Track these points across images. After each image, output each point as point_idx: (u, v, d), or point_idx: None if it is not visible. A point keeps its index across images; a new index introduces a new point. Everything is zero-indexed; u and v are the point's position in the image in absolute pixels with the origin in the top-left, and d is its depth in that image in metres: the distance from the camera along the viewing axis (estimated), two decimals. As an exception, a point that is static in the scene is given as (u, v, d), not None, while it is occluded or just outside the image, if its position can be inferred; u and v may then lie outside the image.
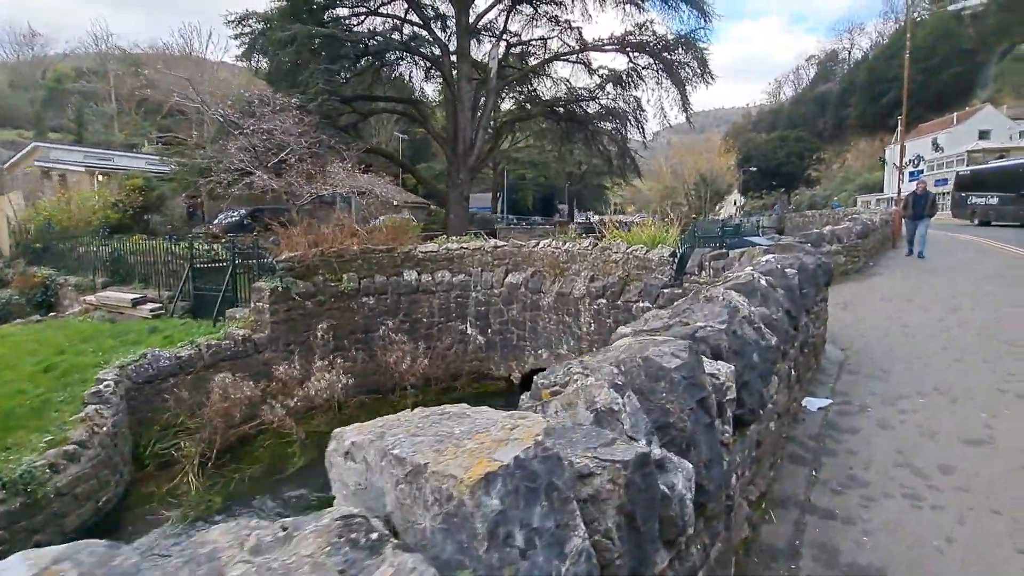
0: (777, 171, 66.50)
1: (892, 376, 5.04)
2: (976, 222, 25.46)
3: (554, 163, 47.16)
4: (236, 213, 20.69)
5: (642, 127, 26.40)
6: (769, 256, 4.44)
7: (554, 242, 11.02)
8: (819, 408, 4.16)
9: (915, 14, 54.39)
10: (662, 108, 27.13)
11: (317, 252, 10.70)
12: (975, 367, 5.20)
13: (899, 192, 19.32)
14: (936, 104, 53.53)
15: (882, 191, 53.81)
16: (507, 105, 28.42)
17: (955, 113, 48.31)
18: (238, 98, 21.14)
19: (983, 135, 45.59)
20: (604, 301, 9.59)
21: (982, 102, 50.11)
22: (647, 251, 9.17)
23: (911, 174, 50.68)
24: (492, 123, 26.27)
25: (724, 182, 69.07)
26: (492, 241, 12.16)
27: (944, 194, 42.53)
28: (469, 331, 11.68)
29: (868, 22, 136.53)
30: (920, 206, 12.99)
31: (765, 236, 15.79)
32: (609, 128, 26.39)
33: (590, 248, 10.09)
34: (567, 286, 10.29)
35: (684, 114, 23.26)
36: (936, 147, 47.31)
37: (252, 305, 10.21)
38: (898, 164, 22.42)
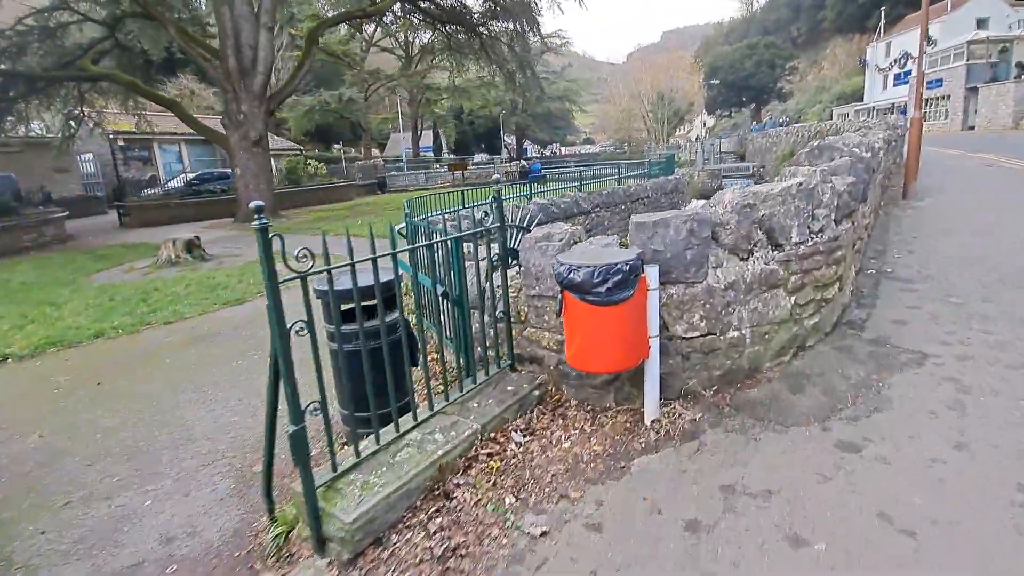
0: (746, 84, 58.18)
1: None
2: None
3: (477, 88, 38.73)
4: None
5: (538, 29, 19.70)
6: None
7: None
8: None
9: None
10: (554, -2, 19.77)
11: None
12: None
13: (918, 98, 12.25)
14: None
15: (862, 100, 46.42)
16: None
17: (948, -1, 40.23)
18: None
19: (981, 23, 38.01)
20: None
21: (978, -16, 41.94)
22: None
23: (896, 76, 42.91)
24: (276, 22, 15.52)
25: (685, 100, 60.59)
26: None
27: (940, 99, 35.18)
28: None
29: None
30: None
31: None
32: (509, 31, 19.85)
33: None
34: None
35: None
36: (929, 40, 39.52)
37: None
38: (924, 43, 13.36)
